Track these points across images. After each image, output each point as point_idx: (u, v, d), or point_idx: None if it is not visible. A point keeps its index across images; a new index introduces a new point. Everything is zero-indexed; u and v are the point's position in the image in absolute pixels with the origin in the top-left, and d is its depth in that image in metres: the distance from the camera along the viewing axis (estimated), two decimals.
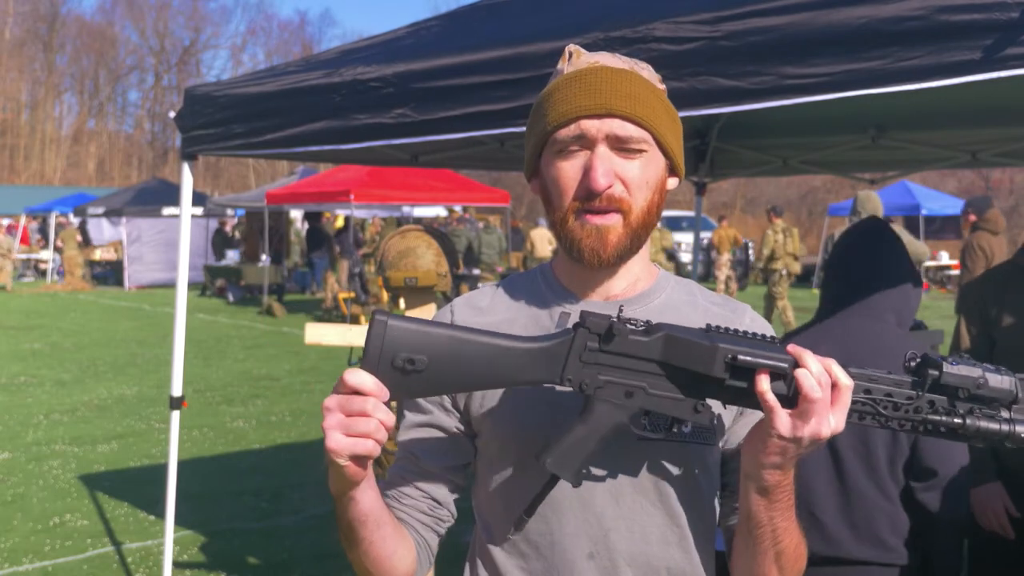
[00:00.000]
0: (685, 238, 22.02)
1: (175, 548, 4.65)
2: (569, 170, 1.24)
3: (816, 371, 1.09)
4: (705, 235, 19.22)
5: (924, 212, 20.59)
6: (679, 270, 19.94)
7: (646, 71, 1.29)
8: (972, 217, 7.26)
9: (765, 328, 1.34)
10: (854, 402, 1.12)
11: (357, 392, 1.07)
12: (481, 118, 2.69)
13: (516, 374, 1.14)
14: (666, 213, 24.37)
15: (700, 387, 1.13)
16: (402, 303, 3.27)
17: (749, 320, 1.35)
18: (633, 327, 1.13)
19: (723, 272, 18.67)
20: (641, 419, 1.16)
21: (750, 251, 22.00)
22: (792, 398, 1.11)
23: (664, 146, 1.26)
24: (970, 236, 7.22)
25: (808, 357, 1.10)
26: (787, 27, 2.07)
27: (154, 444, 7.17)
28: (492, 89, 2.63)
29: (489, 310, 1.35)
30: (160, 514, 4.93)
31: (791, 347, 1.12)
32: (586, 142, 1.23)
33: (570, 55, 1.29)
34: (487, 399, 1.30)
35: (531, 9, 2.86)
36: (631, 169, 1.23)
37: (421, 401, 1.35)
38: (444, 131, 2.83)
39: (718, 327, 1.14)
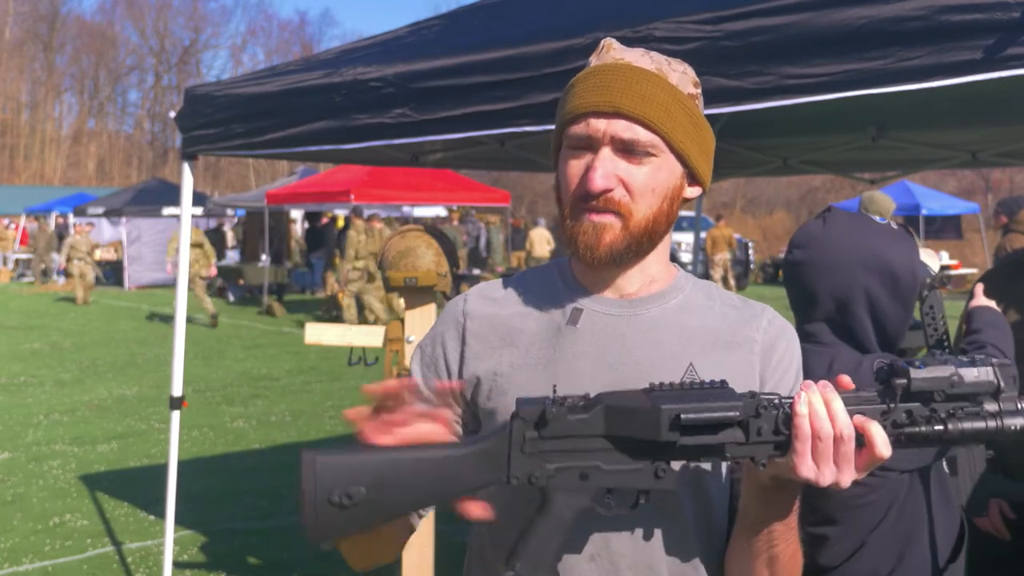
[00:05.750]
0: (685, 238, 22.01)
1: (175, 548, 4.64)
2: (575, 167, 1.22)
3: (817, 411, 1.03)
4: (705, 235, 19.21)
5: (924, 212, 20.58)
6: None
7: (677, 74, 1.22)
8: (1003, 219, 7.07)
9: (784, 329, 1.29)
10: None
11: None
12: (481, 118, 2.69)
13: (461, 483, 1.08)
14: None
15: (656, 452, 1.05)
16: (402, 303, 3.27)
17: (767, 322, 1.29)
18: (571, 405, 1.06)
19: (717, 272, 18.66)
20: (605, 497, 1.08)
21: (750, 251, 22.01)
22: (783, 443, 1.05)
23: (680, 153, 1.21)
24: (1002, 239, 7.04)
25: (807, 398, 1.04)
26: (788, 27, 2.07)
27: (154, 444, 7.17)
28: (492, 89, 2.63)
29: (503, 302, 1.33)
30: (160, 514, 4.93)
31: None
32: (593, 141, 1.20)
33: (602, 48, 1.25)
34: (494, 395, 1.27)
35: (531, 9, 2.86)
36: (636, 175, 1.19)
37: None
38: (444, 131, 2.83)
39: (661, 384, 1.07)
